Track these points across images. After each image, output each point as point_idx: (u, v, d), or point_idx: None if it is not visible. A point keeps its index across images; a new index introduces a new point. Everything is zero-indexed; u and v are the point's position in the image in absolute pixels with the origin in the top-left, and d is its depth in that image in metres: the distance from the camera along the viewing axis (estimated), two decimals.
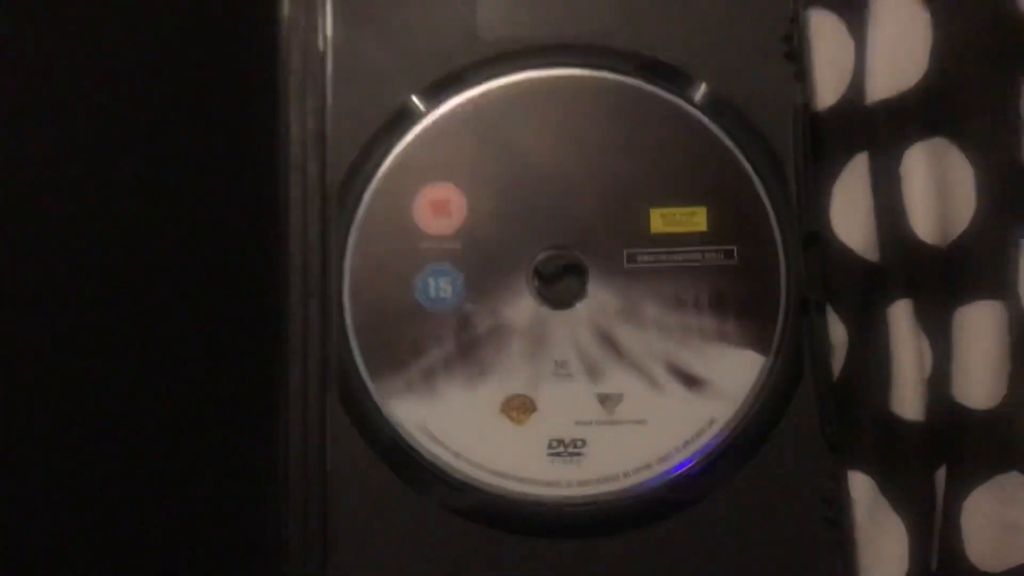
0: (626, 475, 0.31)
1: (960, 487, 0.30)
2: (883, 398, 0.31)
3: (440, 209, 0.33)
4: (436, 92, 0.33)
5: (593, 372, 0.32)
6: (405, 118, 0.33)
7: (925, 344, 0.32)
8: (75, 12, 0.29)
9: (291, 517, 0.32)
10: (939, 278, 0.31)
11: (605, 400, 0.31)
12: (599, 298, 0.32)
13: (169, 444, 0.30)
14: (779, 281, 0.32)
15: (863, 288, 0.32)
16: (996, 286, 0.31)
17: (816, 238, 0.32)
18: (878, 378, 0.32)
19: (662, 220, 0.32)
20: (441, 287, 0.32)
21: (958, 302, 0.31)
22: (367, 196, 0.33)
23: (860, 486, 0.31)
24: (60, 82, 0.28)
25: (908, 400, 0.31)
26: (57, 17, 0.28)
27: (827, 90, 0.33)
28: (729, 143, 0.33)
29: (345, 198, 0.33)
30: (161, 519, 0.29)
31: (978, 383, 0.30)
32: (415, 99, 0.33)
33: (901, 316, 0.31)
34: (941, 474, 0.31)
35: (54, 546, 0.27)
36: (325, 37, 0.34)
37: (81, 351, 0.28)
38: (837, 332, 0.32)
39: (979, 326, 0.31)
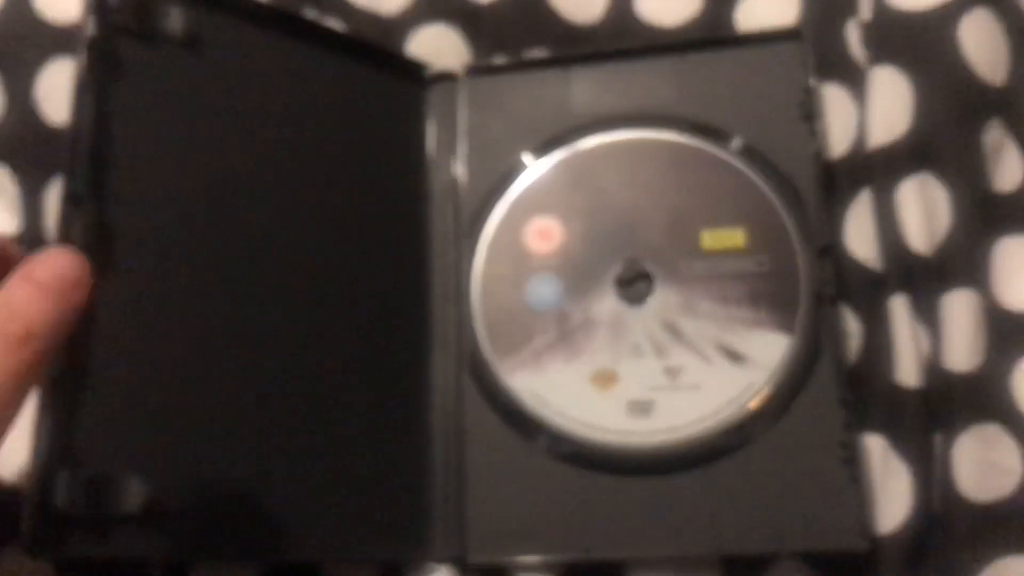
0: (686, 427, 0.36)
1: (951, 434, 0.35)
2: (888, 372, 0.37)
3: (544, 235, 0.39)
4: (540, 151, 0.40)
5: (660, 351, 0.37)
6: (518, 170, 0.40)
7: (921, 331, 0.37)
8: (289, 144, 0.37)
9: (436, 460, 0.38)
10: (927, 277, 0.37)
11: (669, 371, 0.37)
12: (664, 297, 0.38)
13: (346, 405, 0.36)
14: (799, 281, 0.37)
15: (870, 290, 0.38)
16: (969, 278, 0.36)
17: (827, 250, 0.37)
18: (884, 357, 0.37)
19: (711, 239, 0.38)
20: (545, 292, 0.39)
21: (943, 291, 0.36)
22: (491, 226, 0.40)
23: (874, 445, 0.36)
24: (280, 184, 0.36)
25: (908, 371, 0.36)
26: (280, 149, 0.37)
27: (838, 142, 0.40)
28: (760, 181, 0.38)
29: (475, 228, 0.40)
30: (336, 456, 0.35)
31: (960, 351, 0.36)
32: (526, 156, 0.40)
33: (899, 307, 0.37)
34: (939, 433, 0.36)
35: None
36: (459, 120, 0.41)
37: (297, 332, 0.35)
38: (850, 323, 0.38)
39: (958, 308, 0.36)
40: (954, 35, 0.38)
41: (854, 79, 0.40)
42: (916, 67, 0.38)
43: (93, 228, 0.30)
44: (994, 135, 0.38)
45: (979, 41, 0.38)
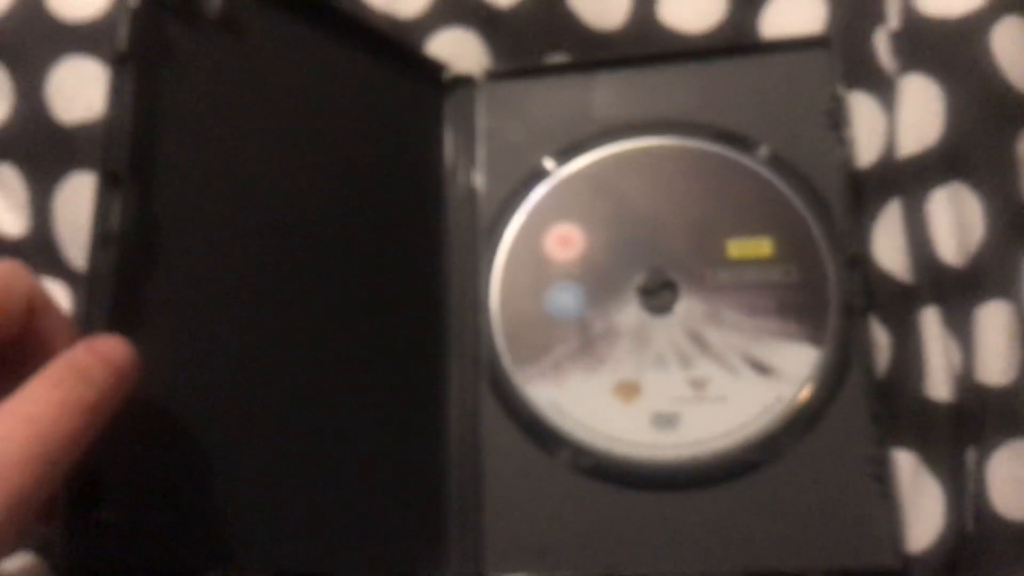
0: (712, 440, 0.35)
1: (985, 451, 0.34)
2: (919, 386, 0.35)
3: (565, 242, 0.38)
4: (562, 156, 0.39)
5: (685, 362, 0.36)
6: (539, 176, 0.39)
7: (952, 344, 0.36)
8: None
9: (452, 473, 0.37)
10: (960, 290, 0.36)
11: (695, 383, 0.36)
12: (689, 306, 0.37)
13: (362, 415, 0.35)
14: (828, 292, 0.36)
15: (900, 302, 0.37)
16: (1004, 289, 0.35)
17: (856, 260, 0.36)
18: (915, 370, 0.36)
19: (737, 248, 0.37)
20: (566, 300, 0.38)
21: (976, 304, 0.35)
22: (510, 233, 0.39)
23: (904, 461, 0.35)
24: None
25: (939, 385, 0.35)
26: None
27: (867, 151, 0.39)
28: (786, 190, 0.37)
29: (493, 235, 0.39)
30: (352, 464, 0.34)
31: (994, 365, 0.34)
32: (547, 162, 0.39)
33: (930, 320, 0.36)
34: (972, 449, 0.35)
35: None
36: (478, 124, 0.41)
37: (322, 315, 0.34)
38: (880, 336, 0.37)
39: (993, 320, 0.35)
40: (986, 43, 0.37)
41: (883, 87, 0.39)
42: (947, 75, 0.37)
43: (132, 211, 0.28)
44: None
45: (1011, 49, 0.37)
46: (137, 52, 0.29)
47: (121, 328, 0.27)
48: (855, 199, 0.37)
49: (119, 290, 0.28)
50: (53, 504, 0.24)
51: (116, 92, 0.29)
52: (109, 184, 0.28)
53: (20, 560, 0.34)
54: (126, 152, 0.29)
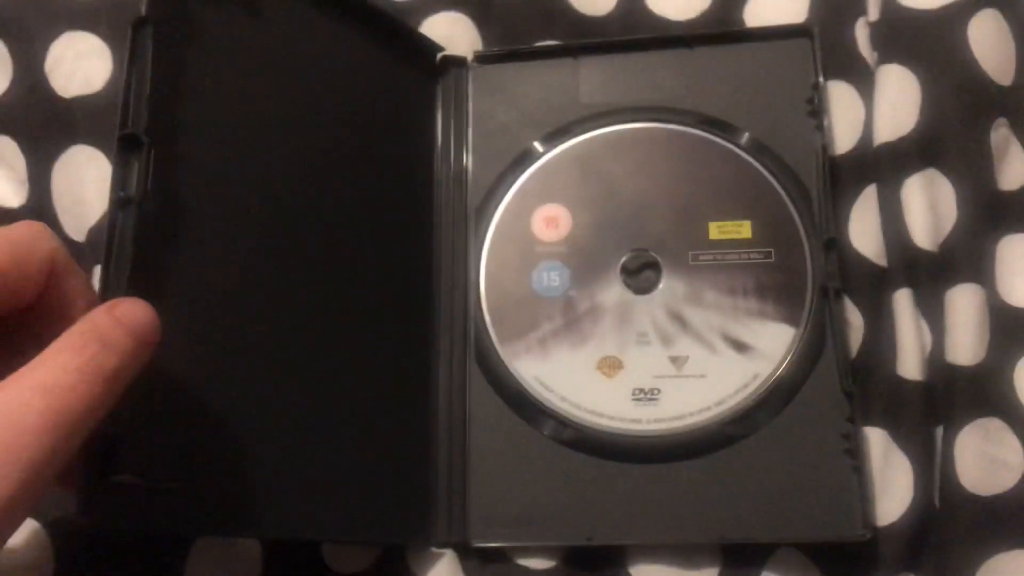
0: (691, 415, 0.36)
1: (953, 428, 0.35)
2: (891, 365, 0.36)
3: (551, 223, 0.39)
4: (549, 139, 0.40)
5: (666, 340, 0.37)
6: (527, 158, 0.40)
7: (924, 325, 0.37)
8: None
9: (440, 445, 0.37)
10: (931, 273, 0.37)
11: (675, 360, 0.36)
12: (671, 286, 0.37)
13: (352, 387, 0.35)
14: (805, 274, 0.37)
15: (874, 285, 0.38)
16: (974, 273, 0.36)
17: (832, 244, 0.36)
18: (888, 350, 0.37)
19: (718, 230, 0.38)
20: (551, 279, 0.38)
21: (947, 286, 0.36)
22: (498, 214, 0.39)
23: (875, 437, 0.36)
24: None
25: (911, 365, 0.36)
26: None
27: (844, 139, 0.39)
28: (767, 175, 0.38)
29: (481, 215, 0.39)
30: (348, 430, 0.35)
31: (964, 346, 0.35)
32: (535, 144, 0.40)
33: (903, 302, 0.37)
34: (941, 427, 0.36)
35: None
36: (468, 106, 0.41)
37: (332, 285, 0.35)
38: (854, 317, 0.37)
39: (962, 303, 0.36)
40: (962, 35, 0.38)
41: (862, 77, 0.40)
42: (924, 66, 0.38)
43: (151, 174, 0.28)
44: (1000, 134, 0.38)
45: (987, 41, 0.38)
46: (156, 17, 0.29)
47: (140, 292, 0.27)
48: (832, 184, 0.38)
49: (138, 253, 0.27)
50: (70, 467, 0.24)
51: (135, 56, 0.29)
52: (128, 146, 0.28)
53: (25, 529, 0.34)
54: (145, 114, 0.28)
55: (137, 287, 0.27)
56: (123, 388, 0.24)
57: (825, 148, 0.38)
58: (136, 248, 0.27)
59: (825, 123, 0.38)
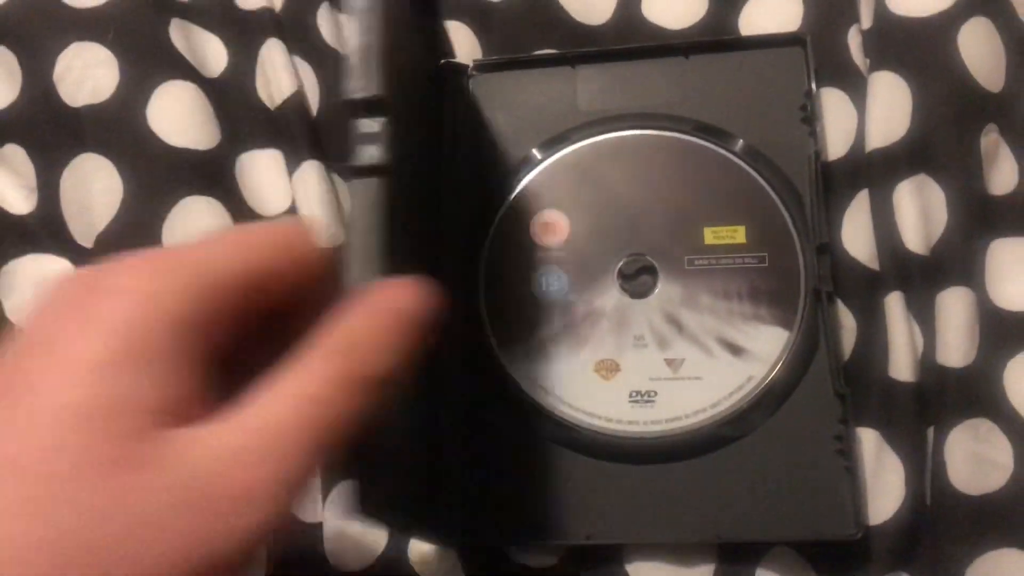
0: (687, 417, 0.36)
1: (944, 429, 0.35)
2: (883, 367, 0.37)
3: (551, 228, 0.39)
4: (548, 146, 0.40)
5: (662, 343, 0.37)
6: (527, 165, 0.40)
7: (916, 328, 0.37)
8: None
9: (448, 445, 0.38)
10: (923, 276, 0.37)
11: (671, 363, 0.37)
12: (667, 290, 0.38)
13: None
14: (799, 278, 0.37)
15: (867, 288, 0.38)
16: (965, 276, 0.37)
17: (825, 248, 0.37)
18: (880, 352, 0.37)
19: (712, 235, 0.38)
20: (551, 283, 0.39)
21: (938, 289, 0.37)
22: (497, 219, 0.40)
23: (868, 438, 0.36)
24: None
25: (902, 366, 0.36)
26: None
27: (838, 144, 0.40)
28: (761, 181, 0.38)
29: (482, 221, 0.40)
30: None
31: (954, 347, 0.36)
32: (534, 151, 0.40)
33: (895, 305, 0.37)
34: (932, 427, 0.36)
35: None
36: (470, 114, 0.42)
37: None
38: (847, 319, 0.38)
39: (953, 305, 0.36)
40: (953, 42, 0.39)
41: (854, 84, 0.41)
42: (915, 73, 0.39)
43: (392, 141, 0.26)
44: (990, 140, 0.38)
45: (977, 49, 0.39)
46: None
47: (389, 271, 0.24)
48: (825, 189, 0.38)
49: (392, 231, 0.24)
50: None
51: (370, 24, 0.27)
52: (374, 110, 0.26)
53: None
54: (385, 78, 0.26)
55: (389, 266, 0.24)
56: (384, 393, 0.22)
57: (818, 154, 0.38)
58: (391, 225, 0.24)
59: (818, 130, 0.39)
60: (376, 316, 0.22)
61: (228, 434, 0.18)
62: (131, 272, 0.20)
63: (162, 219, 0.39)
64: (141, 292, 0.19)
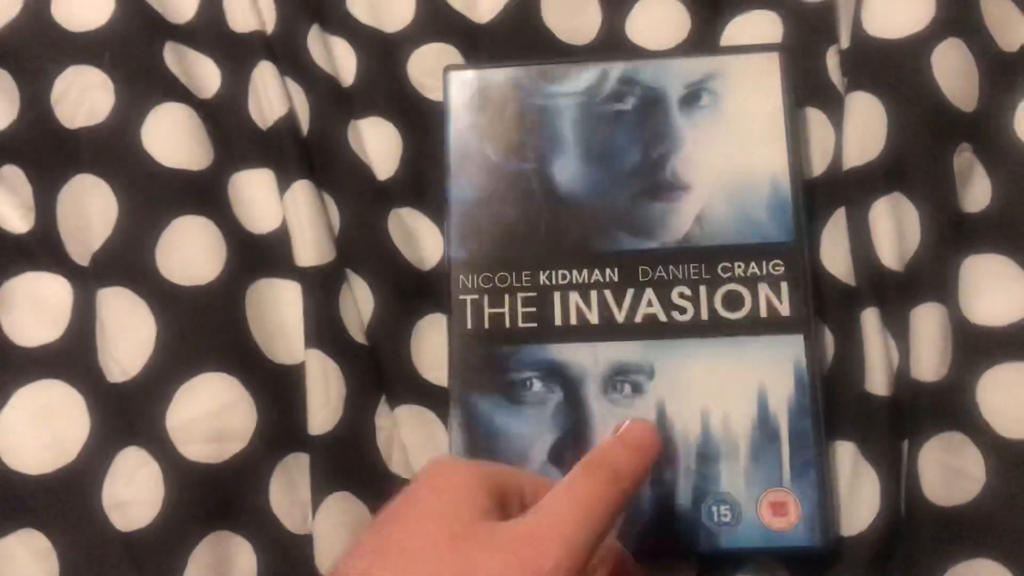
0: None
1: (918, 442, 0.36)
2: (860, 382, 0.37)
3: None
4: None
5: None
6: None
7: (891, 343, 0.38)
8: None
9: None
10: (898, 292, 0.38)
11: None
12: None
13: None
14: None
15: (844, 304, 0.39)
16: (938, 292, 0.37)
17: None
18: (856, 367, 0.38)
19: None
20: None
21: (912, 305, 0.37)
22: None
23: (844, 451, 0.37)
24: None
25: (878, 381, 0.37)
26: None
27: (816, 163, 0.41)
28: None
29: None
30: None
31: (928, 362, 0.36)
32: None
33: (871, 321, 0.38)
34: (906, 440, 0.37)
35: None
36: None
37: None
38: (825, 335, 0.39)
39: (927, 321, 0.37)
40: (927, 63, 0.39)
41: (833, 103, 0.41)
42: (890, 94, 0.39)
43: None
44: (964, 159, 0.39)
45: (951, 69, 0.39)
46: None
47: None
48: (804, 208, 0.39)
49: None
50: None
51: None
52: None
53: None
54: None
55: None
56: (632, 497, 0.29)
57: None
58: None
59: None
60: (627, 446, 0.30)
61: (528, 524, 0.26)
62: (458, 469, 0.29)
63: (156, 238, 0.39)
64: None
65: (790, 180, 0.39)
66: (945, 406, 0.36)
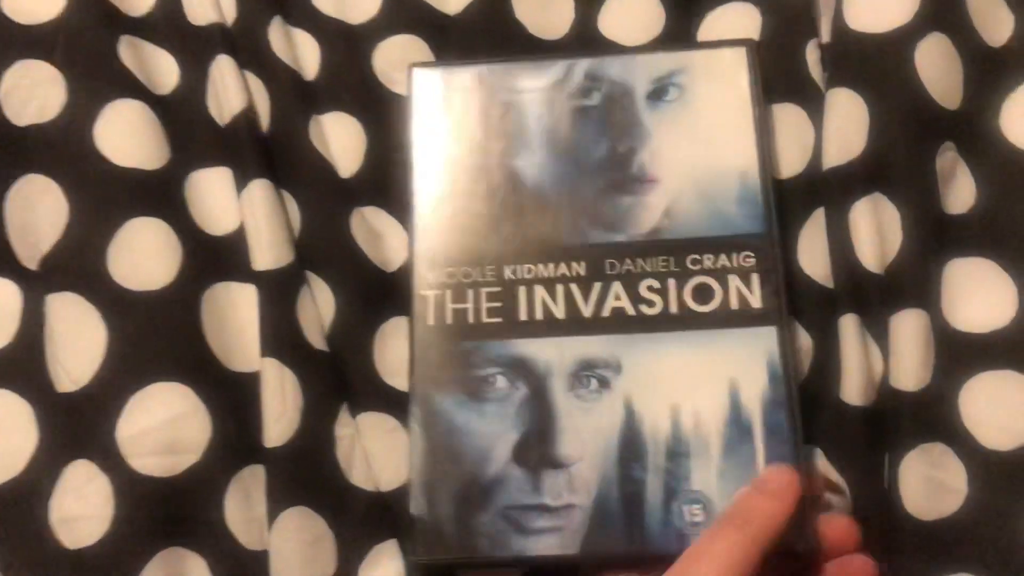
0: None
1: (898, 453, 0.35)
2: (836, 390, 0.36)
3: None
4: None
5: None
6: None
7: (875, 349, 0.37)
8: None
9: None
10: (878, 295, 0.36)
11: None
12: None
13: None
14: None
15: (822, 308, 0.38)
16: (920, 297, 0.36)
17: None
18: (833, 375, 0.36)
19: None
20: None
21: (892, 311, 0.36)
22: None
23: (814, 457, 0.36)
24: None
25: (853, 390, 0.36)
26: None
27: (794, 161, 0.39)
28: None
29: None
30: None
31: (908, 371, 0.35)
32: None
33: (849, 327, 0.36)
34: (886, 451, 0.35)
35: None
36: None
37: None
38: (803, 339, 0.37)
39: (907, 328, 0.36)
40: (910, 59, 0.38)
41: (812, 99, 0.40)
42: (872, 89, 0.38)
43: None
44: (947, 158, 0.38)
45: (935, 66, 0.38)
46: None
47: None
48: (781, 208, 0.38)
49: None
50: None
51: None
52: None
53: None
54: None
55: None
56: (776, 542, 0.31)
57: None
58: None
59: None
60: (754, 487, 0.33)
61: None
62: None
63: (108, 241, 0.38)
64: None
65: (759, 173, 0.38)
66: (926, 416, 0.35)
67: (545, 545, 0.35)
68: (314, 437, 0.37)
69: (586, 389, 0.36)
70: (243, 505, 0.36)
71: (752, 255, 0.37)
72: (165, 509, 0.35)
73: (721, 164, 0.38)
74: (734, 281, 0.37)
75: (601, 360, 0.36)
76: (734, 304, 0.36)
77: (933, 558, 0.34)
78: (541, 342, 0.37)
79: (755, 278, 0.37)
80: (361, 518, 0.36)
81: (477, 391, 0.36)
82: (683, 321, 0.37)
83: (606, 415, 0.36)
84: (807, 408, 0.36)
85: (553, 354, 0.37)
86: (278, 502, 0.35)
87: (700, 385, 0.36)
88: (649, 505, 0.35)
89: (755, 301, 0.36)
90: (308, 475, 0.36)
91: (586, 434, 0.36)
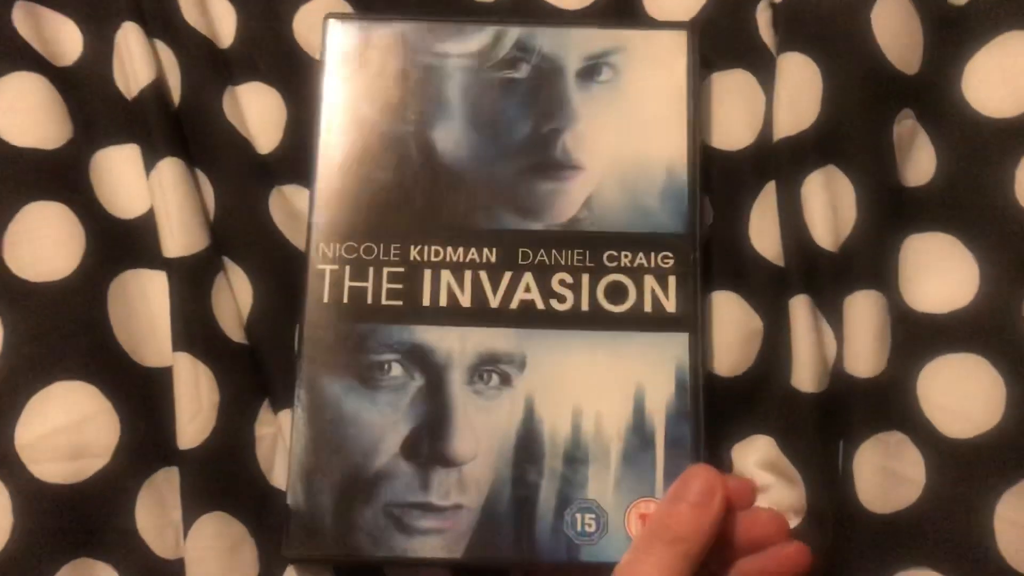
0: None
1: (852, 443, 0.33)
2: (787, 375, 0.34)
3: None
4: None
5: None
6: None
7: (829, 331, 0.34)
8: None
9: None
10: (832, 275, 0.34)
11: None
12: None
13: None
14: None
15: (773, 286, 0.35)
16: (876, 277, 0.34)
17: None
18: (784, 360, 0.34)
19: None
20: None
21: (846, 292, 0.34)
22: None
23: (764, 446, 0.34)
24: None
25: (804, 376, 0.33)
26: None
27: (745, 132, 0.37)
28: None
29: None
30: None
31: (863, 356, 0.33)
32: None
33: (800, 308, 0.34)
34: (840, 440, 0.34)
35: None
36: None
37: None
38: (753, 320, 0.35)
39: (862, 310, 0.33)
40: (866, 21, 0.35)
41: (763, 64, 0.37)
42: (826, 53, 0.36)
43: None
44: (905, 126, 0.35)
45: (892, 28, 0.36)
46: None
47: None
48: (732, 181, 0.36)
49: None
50: None
51: None
52: None
53: None
54: None
55: None
56: (687, 552, 0.30)
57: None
58: None
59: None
60: (675, 499, 0.31)
61: None
62: None
63: (3, 228, 0.35)
64: None
65: (687, 168, 0.35)
66: (882, 403, 0.33)
67: (428, 547, 0.33)
68: (232, 437, 0.34)
69: (486, 384, 0.34)
70: (156, 511, 0.34)
71: (671, 256, 0.35)
72: (71, 518, 0.33)
73: (648, 155, 0.36)
74: (650, 282, 0.35)
75: (504, 354, 0.34)
76: (648, 306, 0.35)
77: (889, 553, 0.32)
78: (443, 330, 0.34)
79: (672, 280, 0.35)
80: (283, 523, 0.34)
81: (370, 377, 0.34)
82: (593, 320, 0.34)
83: (504, 413, 0.34)
84: (756, 395, 0.35)
85: (455, 344, 0.34)
86: (194, 507, 0.33)
87: (605, 389, 0.34)
88: (541, 511, 0.33)
89: (670, 305, 0.34)
90: (226, 478, 0.34)
91: (482, 432, 0.34)
